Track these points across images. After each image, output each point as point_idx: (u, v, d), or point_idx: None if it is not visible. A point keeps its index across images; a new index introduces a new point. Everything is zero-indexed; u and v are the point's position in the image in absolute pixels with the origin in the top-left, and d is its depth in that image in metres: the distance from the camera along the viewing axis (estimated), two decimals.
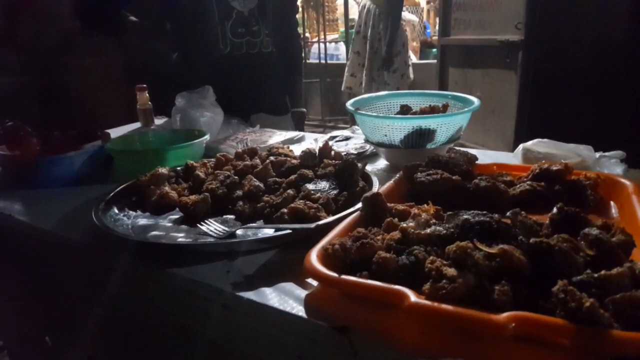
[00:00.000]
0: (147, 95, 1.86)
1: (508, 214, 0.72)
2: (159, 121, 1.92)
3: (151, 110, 1.87)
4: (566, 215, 0.73)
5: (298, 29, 2.31)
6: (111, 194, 1.07)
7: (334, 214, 0.91)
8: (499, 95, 3.71)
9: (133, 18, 1.99)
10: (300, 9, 6.01)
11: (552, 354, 0.54)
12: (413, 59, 5.39)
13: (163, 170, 1.12)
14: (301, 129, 2.20)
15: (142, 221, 1.00)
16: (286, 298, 0.71)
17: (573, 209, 0.74)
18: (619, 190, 0.94)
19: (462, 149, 1.16)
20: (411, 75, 4.46)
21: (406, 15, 4.86)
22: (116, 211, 1.03)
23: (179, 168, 1.19)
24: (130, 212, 1.05)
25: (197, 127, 1.48)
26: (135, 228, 0.97)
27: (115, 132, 1.76)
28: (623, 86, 2.90)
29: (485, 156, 1.31)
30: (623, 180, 0.96)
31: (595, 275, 0.58)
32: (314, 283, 0.73)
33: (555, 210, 0.75)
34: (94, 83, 2.56)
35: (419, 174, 1.01)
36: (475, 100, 1.25)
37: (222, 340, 0.81)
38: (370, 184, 1.06)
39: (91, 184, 1.26)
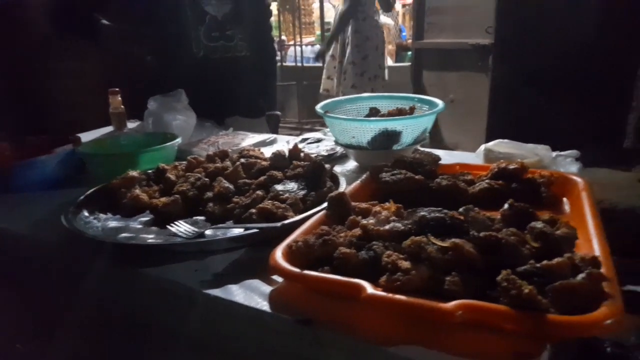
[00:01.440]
0: (120, 98, 1.86)
1: (461, 210, 0.77)
2: (132, 125, 1.92)
3: (124, 114, 1.87)
4: (516, 210, 0.78)
5: (272, 32, 2.33)
6: (82, 197, 1.08)
7: (302, 214, 0.94)
8: (473, 97, 3.81)
9: (105, 22, 1.99)
10: (275, 12, 6.04)
11: (497, 339, 0.58)
12: (389, 61, 5.47)
13: (134, 173, 1.14)
14: (276, 132, 2.23)
15: (113, 223, 1.02)
16: (252, 294, 0.73)
17: (523, 205, 0.79)
18: (571, 187, 1.00)
19: (426, 149, 1.21)
20: (386, 77, 4.52)
21: (382, 18, 4.92)
22: (86, 214, 1.04)
23: (150, 171, 1.21)
24: (101, 215, 1.06)
25: (170, 130, 1.49)
26: (105, 230, 0.99)
27: (88, 136, 1.76)
28: (590, 89, 3.01)
29: (450, 156, 1.35)
30: (575, 178, 1.01)
31: (538, 265, 0.63)
32: (280, 280, 0.76)
33: (506, 206, 0.79)
34: (69, 87, 2.54)
35: (384, 174, 1.05)
36: (440, 103, 1.30)
37: (193, 336, 0.83)
38: (337, 184, 1.09)
39: (63, 188, 1.27)
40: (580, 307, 0.58)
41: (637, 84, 2.83)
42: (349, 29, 4.23)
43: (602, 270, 0.63)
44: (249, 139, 1.61)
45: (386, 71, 4.53)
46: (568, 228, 0.73)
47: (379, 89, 4.18)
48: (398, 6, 7.57)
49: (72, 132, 1.41)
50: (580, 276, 0.60)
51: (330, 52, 4.56)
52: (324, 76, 4.74)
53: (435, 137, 4.29)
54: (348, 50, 4.23)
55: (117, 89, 1.86)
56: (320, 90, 4.79)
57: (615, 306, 0.57)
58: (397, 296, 0.61)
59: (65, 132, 1.41)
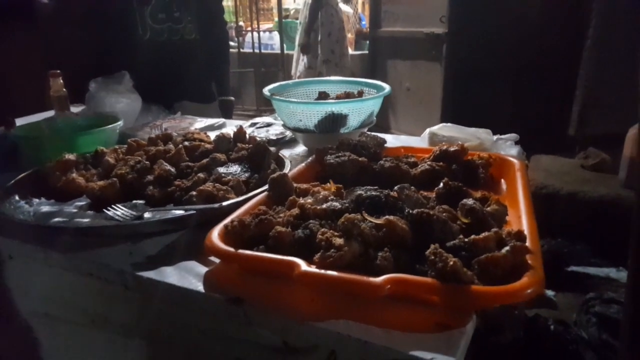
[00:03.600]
0: (62, 81, 1.78)
1: (395, 188, 0.77)
2: (76, 109, 1.84)
3: (66, 97, 1.79)
4: (450, 189, 0.80)
5: (224, 16, 2.28)
6: (12, 182, 1.02)
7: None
8: (427, 86, 3.87)
9: (45, 0, 1.89)
10: None
11: (422, 312, 0.60)
12: (348, 50, 5.49)
13: (70, 156, 1.09)
14: (229, 118, 2.19)
15: (45, 208, 0.97)
16: (187, 275, 0.72)
17: (456, 184, 0.81)
18: (508, 168, 1.03)
19: (372, 133, 1.22)
20: (348, 64, 4.57)
21: (341, 6, 4.94)
22: (17, 198, 0.99)
23: (88, 155, 1.16)
24: (34, 199, 1.01)
25: (113, 113, 1.44)
26: (37, 215, 0.94)
27: (26, 120, 1.67)
28: (537, 78, 3.12)
29: (397, 140, 1.37)
30: (511, 159, 1.05)
31: (466, 239, 0.65)
32: (217, 261, 0.75)
33: (441, 185, 0.81)
34: (4, 69, 2.40)
35: (328, 156, 1.05)
36: (387, 87, 1.31)
37: (127, 322, 0.81)
38: (283, 167, 1.09)
39: None
40: (504, 278, 0.60)
41: (580, 74, 2.96)
42: (308, 15, 4.29)
43: (527, 244, 0.65)
44: (197, 124, 1.58)
45: (348, 59, 4.59)
46: (498, 205, 0.76)
47: (331, 74, 4.21)
48: None
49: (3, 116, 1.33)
50: (504, 249, 0.62)
51: (299, 41, 4.61)
52: (294, 63, 4.79)
53: (390, 124, 4.35)
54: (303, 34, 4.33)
55: (58, 71, 1.77)
56: (293, 77, 4.83)
57: (536, 276, 0.59)
58: (329, 272, 0.61)
59: None
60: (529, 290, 0.57)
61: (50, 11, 1.79)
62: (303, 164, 1.06)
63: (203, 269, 0.74)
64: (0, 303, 1.04)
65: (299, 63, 4.62)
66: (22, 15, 1.87)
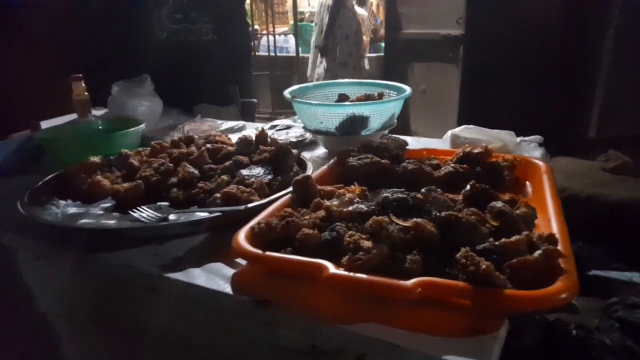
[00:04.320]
0: (84, 85, 1.80)
1: (422, 190, 0.77)
2: (97, 112, 1.86)
3: (88, 101, 1.81)
4: (477, 191, 0.79)
5: (246, 17, 2.28)
6: (39, 183, 1.04)
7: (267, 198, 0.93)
8: (443, 88, 3.85)
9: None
10: (248, 1, 5.96)
11: (453, 315, 0.59)
12: (365, 52, 5.48)
13: (95, 159, 1.10)
14: (251, 119, 2.19)
15: (72, 210, 0.98)
16: (214, 277, 0.72)
17: (483, 186, 0.80)
18: (533, 170, 1.01)
19: (393, 135, 1.21)
20: (366, 67, 4.58)
21: (356, 9, 4.95)
22: (44, 200, 1.00)
23: (112, 157, 1.17)
24: (60, 201, 1.03)
25: (135, 116, 1.45)
26: (64, 217, 0.96)
27: (50, 124, 1.69)
28: (557, 80, 3.07)
29: (418, 142, 1.36)
30: (537, 162, 1.03)
31: (496, 243, 0.64)
32: (243, 263, 0.75)
33: (467, 187, 0.80)
34: (27, 74, 2.44)
35: (350, 158, 1.04)
36: (408, 89, 1.30)
37: (151, 324, 0.81)
38: (305, 169, 1.08)
39: (19, 175, 1.22)
40: (536, 282, 0.59)
41: (600, 76, 2.91)
42: (327, 17, 4.30)
43: (559, 247, 0.64)
44: (218, 126, 1.59)
45: (366, 61, 4.59)
46: (527, 208, 0.75)
47: (347, 77, 4.21)
48: None
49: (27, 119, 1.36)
50: (537, 253, 0.61)
51: (315, 43, 4.62)
52: (310, 65, 4.80)
53: (406, 126, 4.33)
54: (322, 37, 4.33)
55: (80, 75, 1.79)
56: (308, 80, 4.83)
57: (570, 281, 0.58)
58: (359, 275, 0.60)
59: (19, 118, 1.35)
60: (563, 295, 0.56)
61: (69, 13, 1.81)
62: (325, 166, 1.06)
63: (229, 271, 0.74)
64: (23, 302, 1.05)
65: (318, 66, 4.62)
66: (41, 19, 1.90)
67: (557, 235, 0.67)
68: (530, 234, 0.66)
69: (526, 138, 1.25)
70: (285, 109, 5.59)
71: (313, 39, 4.70)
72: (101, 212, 0.99)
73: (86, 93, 1.79)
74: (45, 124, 1.61)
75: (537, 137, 1.24)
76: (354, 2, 4.50)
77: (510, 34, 3.12)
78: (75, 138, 1.34)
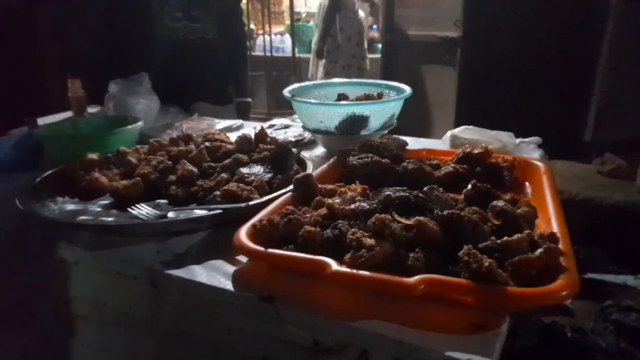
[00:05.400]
0: (80, 83, 1.79)
1: (425, 189, 0.77)
2: (93, 110, 1.85)
3: (84, 99, 1.81)
4: (479, 190, 0.79)
5: (242, 18, 2.29)
6: (38, 180, 1.03)
7: (267, 196, 0.93)
8: (441, 90, 3.86)
9: None
10: (244, 1, 5.96)
11: (458, 312, 0.59)
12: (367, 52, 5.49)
13: (93, 156, 1.10)
14: (246, 119, 2.19)
15: (70, 206, 0.97)
16: (215, 274, 0.72)
17: (485, 185, 0.80)
18: (533, 171, 1.02)
19: (393, 135, 1.21)
20: (367, 67, 4.58)
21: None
22: (43, 197, 1.00)
23: (110, 155, 1.17)
24: (58, 198, 1.02)
25: (132, 114, 1.45)
26: (62, 213, 0.95)
27: (47, 120, 1.68)
28: (553, 83, 3.09)
29: (417, 143, 1.37)
30: (536, 162, 1.04)
31: (498, 241, 0.64)
32: (244, 260, 0.75)
33: (469, 186, 0.80)
34: (25, 70, 2.43)
35: (351, 157, 1.04)
36: (408, 89, 1.31)
37: (152, 320, 0.81)
38: (304, 168, 1.08)
39: (17, 172, 1.21)
40: (538, 280, 0.59)
41: (596, 80, 2.93)
42: (324, 19, 4.29)
43: (560, 245, 0.64)
44: (216, 125, 1.58)
45: (367, 61, 4.58)
46: (528, 207, 0.75)
47: (352, 78, 4.21)
48: None
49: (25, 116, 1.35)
50: (538, 251, 0.61)
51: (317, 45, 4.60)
52: (310, 65, 4.77)
53: (404, 128, 4.33)
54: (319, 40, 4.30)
55: (76, 73, 1.78)
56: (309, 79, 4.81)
57: (571, 279, 0.58)
58: (362, 272, 0.61)
59: (15, 115, 1.34)
60: (564, 292, 0.56)
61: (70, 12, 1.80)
62: (326, 165, 1.06)
63: (230, 268, 0.74)
64: (26, 300, 1.04)
65: (317, 69, 4.60)
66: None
67: (557, 234, 0.67)
68: (532, 232, 0.67)
69: (525, 139, 1.26)
70: (281, 109, 5.59)
71: (314, 40, 4.67)
72: (99, 209, 0.98)
73: (82, 91, 1.79)
74: (42, 121, 1.60)
75: (536, 139, 1.25)
76: (354, 2, 4.47)
77: (508, 37, 3.14)
78: (74, 135, 1.33)
